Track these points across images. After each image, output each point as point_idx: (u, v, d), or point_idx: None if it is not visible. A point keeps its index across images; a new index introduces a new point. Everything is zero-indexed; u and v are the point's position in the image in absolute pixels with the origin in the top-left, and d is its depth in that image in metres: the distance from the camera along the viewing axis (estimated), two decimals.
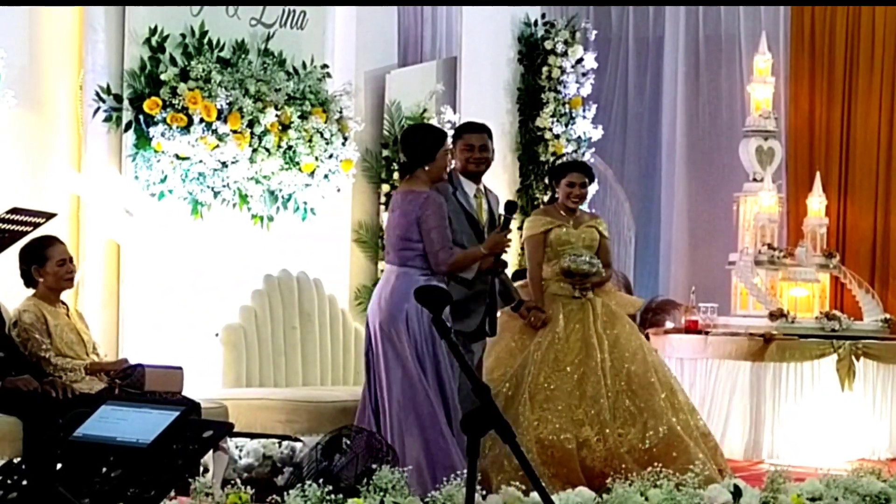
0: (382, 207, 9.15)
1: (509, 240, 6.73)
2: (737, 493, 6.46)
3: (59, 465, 3.96)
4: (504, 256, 6.92)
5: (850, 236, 11.47)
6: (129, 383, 6.41)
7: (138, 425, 3.97)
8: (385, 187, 9.19)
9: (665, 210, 12.11)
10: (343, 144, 8.36)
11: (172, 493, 5.28)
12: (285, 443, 7.38)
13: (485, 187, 7.20)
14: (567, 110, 10.20)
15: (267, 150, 7.96)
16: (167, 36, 7.79)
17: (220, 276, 7.93)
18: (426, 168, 6.59)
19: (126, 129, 7.67)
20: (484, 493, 6.24)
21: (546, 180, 7.96)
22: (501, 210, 7.23)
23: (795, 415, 9.66)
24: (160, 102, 7.64)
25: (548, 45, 10.16)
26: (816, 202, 10.94)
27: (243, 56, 8.06)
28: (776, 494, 6.51)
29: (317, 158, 8.20)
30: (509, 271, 8.84)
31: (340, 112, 8.37)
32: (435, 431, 6.37)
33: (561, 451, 7.09)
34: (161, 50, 7.77)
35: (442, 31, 9.95)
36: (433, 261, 6.49)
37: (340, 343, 8.14)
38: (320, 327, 8.04)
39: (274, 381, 7.75)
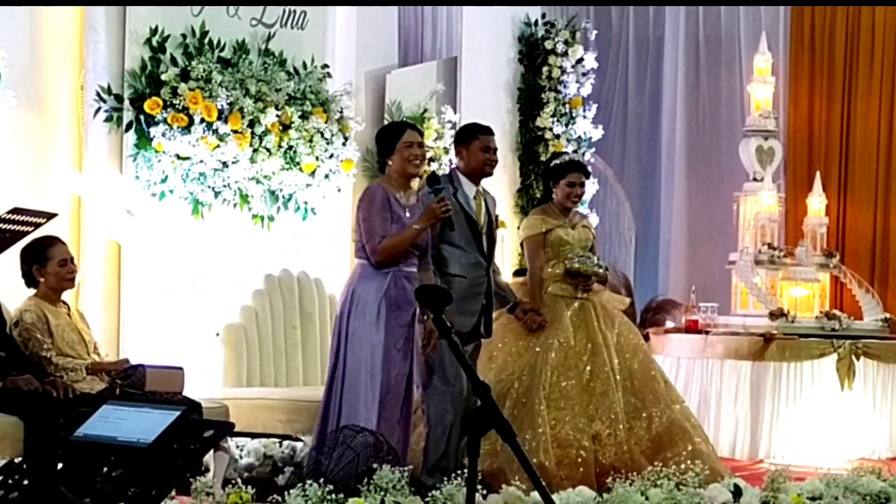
0: None
1: (444, 205, 6.51)
2: (737, 492, 6.47)
3: (60, 465, 3.96)
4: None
5: (850, 236, 11.47)
6: (129, 384, 6.41)
7: (139, 425, 3.97)
8: None
9: (665, 210, 12.11)
10: (343, 144, 8.37)
11: (173, 493, 5.29)
12: (286, 442, 7.39)
13: (483, 189, 7.19)
14: (567, 110, 10.21)
15: (267, 150, 7.97)
16: (168, 36, 7.79)
17: (220, 275, 7.94)
18: (389, 163, 6.66)
19: (127, 129, 7.67)
20: (485, 492, 6.25)
21: (542, 179, 7.90)
22: (497, 211, 7.28)
23: (795, 414, 9.67)
24: (161, 102, 7.65)
25: (548, 45, 10.17)
26: (817, 202, 10.95)
27: (244, 56, 8.06)
28: (776, 494, 6.52)
29: (317, 158, 8.20)
30: (509, 271, 8.85)
31: (341, 112, 8.38)
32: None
33: (578, 452, 7.09)
34: (162, 50, 7.77)
35: (442, 31, 9.95)
36: (367, 252, 6.51)
37: None
38: (321, 327, 8.04)
39: (275, 380, 7.75)
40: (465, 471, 5.48)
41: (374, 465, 5.79)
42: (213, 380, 7.51)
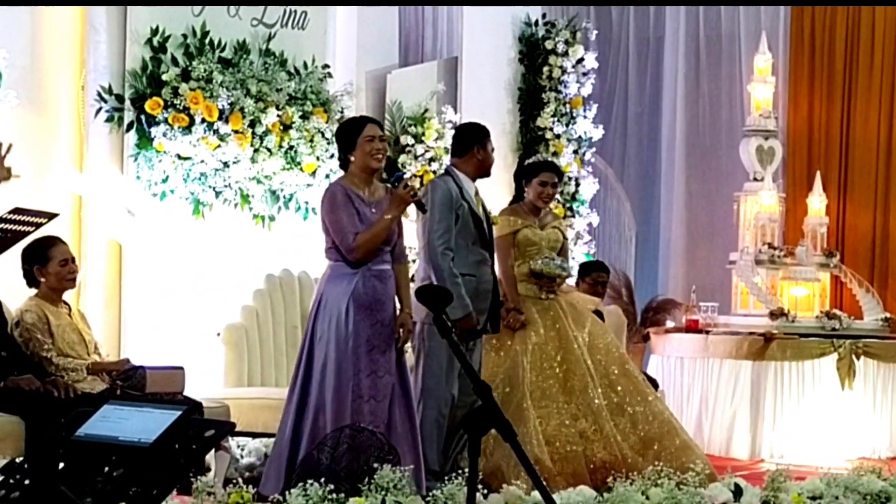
0: None
1: (411, 189, 6.44)
2: (737, 491, 6.47)
3: (61, 465, 3.96)
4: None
5: (849, 235, 11.47)
6: (130, 385, 6.42)
7: (140, 425, 3.97)
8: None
9: (665, 209, 12.11)
10: None
11: (174, 493, 5.30)
12: None
13: (476, 187, 7.17)
14: (568, 110, 10.21)
15: (268, 150, 7.98)
16: (169, 36, 7.80)
17: (221, 275, 7.95)
18: (352, 159, 6.48)
19: (128, 129, 7.69)
20: (485, 491, 6.26)
21: (515, 179, 7.84)
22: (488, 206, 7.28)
23: (796, 414, 9.67)
24: (162, 102, 7.66)
25: (548, 45, 10.17)
26: (817, 201, 10.95)
27: (245, 56, 8.07)
28: (777, 493, 6.52)
29: (318, 158, 8.21)
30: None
31: (342, 112, 8.38)
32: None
33: (566, 446, 7.10)
34: (162, 50, 7.78)
35: (443, 31, 9.96)
36: (343, 251, 6.34)
37: None
38: None
39: (275, 380, 7.76)
40: (466, 470, 5.49)
41: (375, 465, 5.78)
42: (213, 379, 7.51)
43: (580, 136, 10.27)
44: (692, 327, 10.29)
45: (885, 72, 11.43)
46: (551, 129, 10.11)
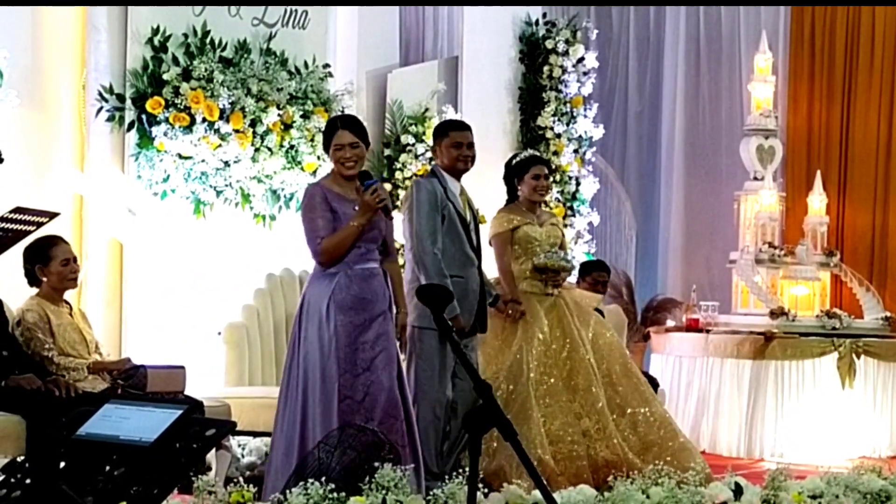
0: None
1: (377, 196, 6.22)
2: (738, 490, 6.47)
3: (62, 464, 3.97)
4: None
5: (848, 235, 11.48)
6: (131, 384, 6.42)
7: (141, 424, 3.99)
8: (387, 187, 9.20)
9: (665, 208, 12.12)
10: None
11: (175, 492, 5.30)
12: None
13: (461, 186, 7.15)
14: (568, 109, 10.21)
15: (269, 149, 7.99)
16: (169, 35, 7.81)
17: (222, 274, 7.95)
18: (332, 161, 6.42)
19: (129, 129, 7.70)
20: (486, 490, 6.26)
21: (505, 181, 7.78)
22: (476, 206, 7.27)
23: (796, 413, 9.68)
24: (163, 102, 7.67)
25: (549, 44, 10.17)
26: (817, 201, 10.96)
27: (245, 56, 8.08)
28: (777, 492, 6.52)
29: (319, 157, 8.22)
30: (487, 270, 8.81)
31: (342, 111, 8.38)
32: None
33: (569, 446, 7.11)
34: (163, 49, 7.79)
35: (443, 31, 9.97)
36: (311, 254, 6.29)
37: None
38: None
39: (276, 379, 7.74)
40: (467, 469, 5.49)
41: (376, 464, 5.79)
42: (214, 379, 7.52)
43: (581, 136, 10.27)
44: (692, 326, 10.30)
45: (884, 71, 11.44)
46: (552, 129, 10.11)
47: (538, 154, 8.03)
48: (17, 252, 6.51)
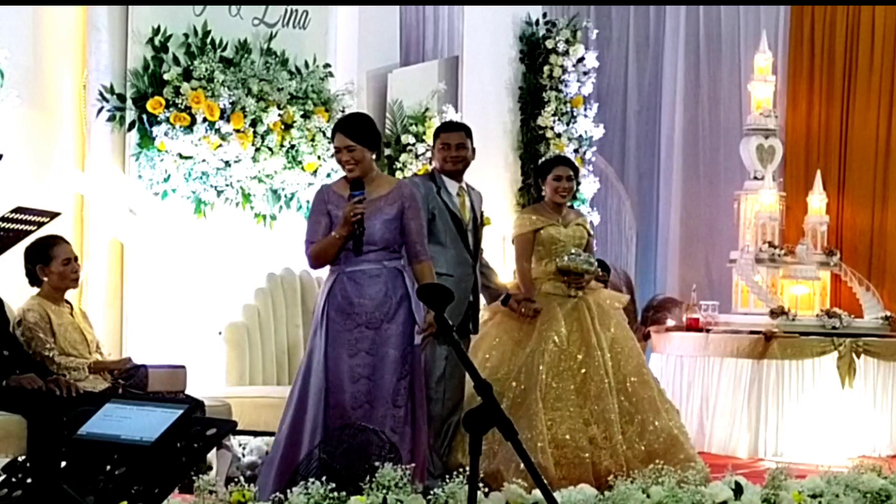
0: None
1: (354, 209, 6.12)
2: (738, 490, 6.47)
3: (63, 463, 3.98)
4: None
5: (848, 234, 11.48)
6: (132, 384, 6.43)
7: (142, 423, 3.99)
8: None
9: (666, 208, 12.11)
10: None
11: (176, 491, 5.31)
12: None
13: (467, 185, 7.21)
14: (568, 109, 10.22)
15: (270, 149, 8.00)
16: (170, 35, 7.82)
17: (223, 274, 7.96)
18: None
19: (129, 129, 7.70)
20: (486, 490, 6.26)
21: (533, 180, 7.84)
22: (483, 207, 7.28)
23: (796, 412, 9.68)
24: (163, 102, 7.68)
25: (549, 44, 10.18)
26: (817, 200, 10.96)
27: (246, 55, 8.09)
28: (777, 491, 6.52)
29: (319, 157, 8.23)
30: (505, 270, 8.82)
31: (343, 111, 8.39)
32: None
33: (575, 452, 7.10)
34: (164, 49, 7.80)
35: (444, 31, 9.97)
36: None
37: None
38: None
39: (277, 379, 7.77)
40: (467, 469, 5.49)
41: (377, 464, 5.79)
42: (215, 378, 7.53)
43: (581, 135, 10.27)
44: (693, 326, 10.30)
45: (884, 71, 11.44)
46: (552, 128, 10.12)
47: (565, 156, 8.02)
48: (18, 252, 6.52)
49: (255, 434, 7.34)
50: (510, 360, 7.37)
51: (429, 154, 9.08)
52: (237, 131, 7.85)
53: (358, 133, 6.23)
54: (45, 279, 6.55)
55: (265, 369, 7.74)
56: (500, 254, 9.08)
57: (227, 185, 7.94)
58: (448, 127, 7.29)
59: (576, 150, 10.21)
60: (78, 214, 7.65)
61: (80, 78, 7.71)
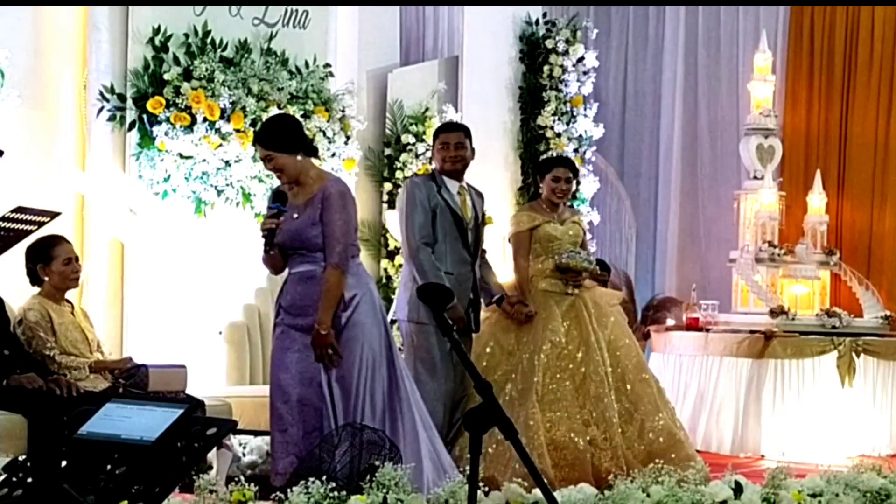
0: (385, 206, 9.19)
1: (267, 222, 6.05)
2: (738, 489, 6.47)
3: (63, 463, 3.98)
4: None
5: (847, 234, 11.48)
6: (132, 383, 6.43)
7: (142, 423, 3.99)
8: (387, 186, 9.23)
9: (665, 207, 12.11)
10: (345, 143, 8.40)
11: (176, 491, 5.31)
12: None
13: (468, 185, 7.24)
14: (568, 109, 10.23)
15: None
16: (170, 35, 7.83)
17: (223, 274, 7.97)
18: None
19: (130, 129, 7.71)
20: (486, 489, 6.26)
21: (533, 178, 7.89)
22: (485, 207, 7.33)
23: (796, 411, 9.68)
24: (164, 102, 7.69)
25: (549, 44, 10.19)
26: (817, 199, 10.96)
27: (246, 55, 8.09)
28: (777, 491, 6.52)
29: (319, 157, 8.23)
30: (505, 270, 8.84)
31: (343, 111, 8.41)
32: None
33: (574, 453, 7.10)
34: (164, 49, 7.80)
35: (444, 31, 9.98)
36: None
37: None
38: None
39: None
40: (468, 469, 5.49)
41: (377, 463, 5.80)
42: (215, 378, 7.53)
43: (581, 135, 10.28)
44: (692, 325, 10.30)
45: (883, 71, 11.43)
46: (552, 128, 10.13)
47: (566, 157, 8.05)
48: (18, 251, 6.53)
49: (256, 433, 7.34)
50: (507, 360, 7.37)
51: (429, 154, 9.09)
52: (237, 131, 7.85)
53: (270, 141, 6.04)
54: (46, 279, 6.56)
55: (265, 369, 7.72)
56: (500, 254, 9.07)
57: (227, 185, 7.95)
58: (447, 127, 7.37)
59: (576, 150, 10.22)
60: (78, 214, 7.66)
61: (80, 78, 7.71)
